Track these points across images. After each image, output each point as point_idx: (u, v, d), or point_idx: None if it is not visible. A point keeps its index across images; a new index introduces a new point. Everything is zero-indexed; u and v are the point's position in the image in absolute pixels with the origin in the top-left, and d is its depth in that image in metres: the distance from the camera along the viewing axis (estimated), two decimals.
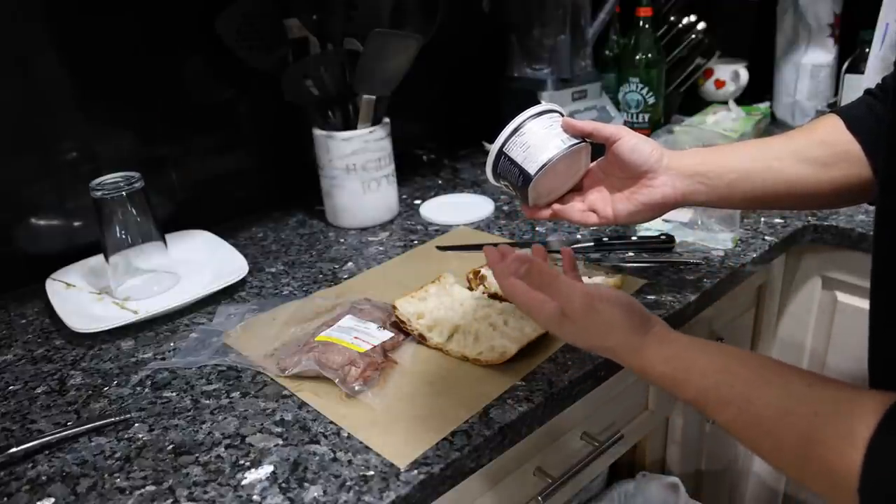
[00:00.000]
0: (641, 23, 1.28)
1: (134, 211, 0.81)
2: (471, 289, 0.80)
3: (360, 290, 0.82)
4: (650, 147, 0.67)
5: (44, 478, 0.57)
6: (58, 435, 0.60)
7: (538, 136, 0.65)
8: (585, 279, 0.76)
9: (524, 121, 0.66)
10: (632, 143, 0.67)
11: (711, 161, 0.68)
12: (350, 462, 0.56)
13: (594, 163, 0.71)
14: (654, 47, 1.29)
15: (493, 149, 0.67)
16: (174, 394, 0.66)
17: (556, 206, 0.71)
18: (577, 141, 0.65)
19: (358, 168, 0.99)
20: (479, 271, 0.79)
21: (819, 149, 0.67)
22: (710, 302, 0.81)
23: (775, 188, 0.68)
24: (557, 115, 0.67)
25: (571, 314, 0.55)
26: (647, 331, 0.54)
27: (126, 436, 0.61)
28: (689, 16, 1.37)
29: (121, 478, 0.56)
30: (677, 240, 0.89)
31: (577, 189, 0.71)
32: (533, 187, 0.66)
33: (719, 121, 1.26)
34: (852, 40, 1.21)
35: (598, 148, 0.69)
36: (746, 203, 0.71)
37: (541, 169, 0.65)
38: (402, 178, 1.10)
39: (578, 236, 0.93)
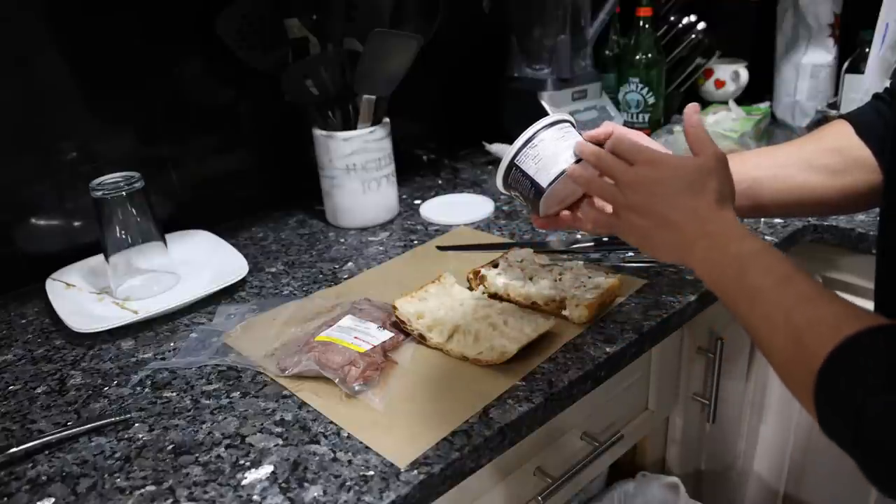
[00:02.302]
0: (641, 23, 1.28)
1: (134, 211, 0.81)
2: (471, 289, 0.80)
3: (360, 290, 0.82)
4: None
5: (44, 478, 0.57)
6: (58, 435, 0.60)
7: (550, 148, 0.65)
8: (585, 278, 0.76)
9: (536, 132, 0.65)
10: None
11: None
12: (350, 462, 0.56)
13: None
14: (654, 47, 1.29)
15: (505, 161, 0.66)
16: (174, 394, 0.66)
17: (565, 214, 0.71)
18: None
19: (358, 168, 0.99)
20: (479, 271, 0.79)
21: (829, 156, 0.67)
22: (711, 302, 0.81)
23: (785, 197, 0.68)
24: (568, 125, 0.67)
25: (706, 155, 0.58)
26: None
27: (126, 436, 0.61)
28: (689, 16, 1.37)
29: (121, 478, 0.56)
30: None
31: (588, 195, 0.71)
32: (545, 199, 0.66)
33: (719, 121, 1.26)
34: (852, 40, 1.21)
35: None
36: (756, 212, 0.71)
37: (553, 181, 0.65)
38: (402, 178, 1.10)
39: (578, 236, 0.93)
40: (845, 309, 0.46)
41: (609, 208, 0.69)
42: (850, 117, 0.68)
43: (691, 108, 0.62)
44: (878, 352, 0.42)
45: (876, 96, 0.68)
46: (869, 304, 0.56)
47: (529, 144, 0.65)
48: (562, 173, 0.64)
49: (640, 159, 0.59)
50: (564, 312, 0.73)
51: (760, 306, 0.50)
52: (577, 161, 0.65)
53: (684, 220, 0.57)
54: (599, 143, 0.67)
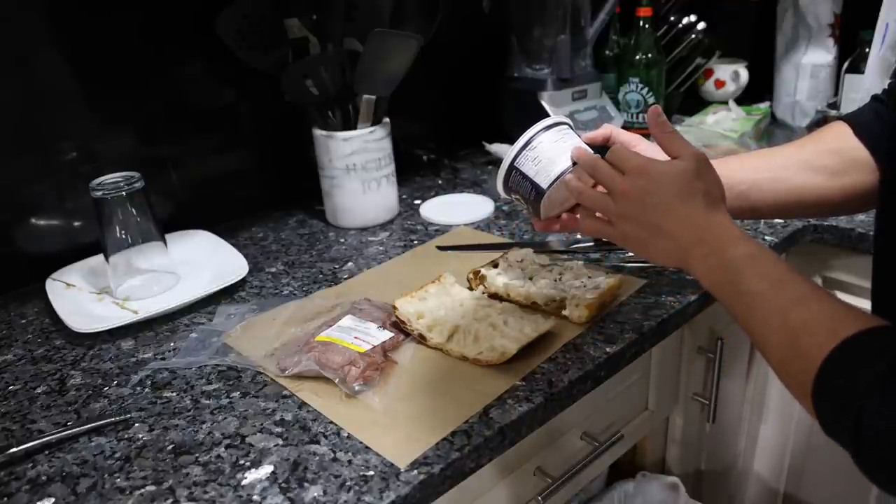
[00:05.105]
0: (641, 23, 1.28)
1: (134, 211, 0.81)
2: (471, 289, 0.80)
3: (360, 290, 0.82)
4: (663, 157, 0.68)
5: (44, 478, 0.57)
6: (58, 435, 0.60)
7: (549, 150, 0.65)
8: (585, 278, 0.76)
9: (534, 135, 0.66)
10: (647, 153, 0.67)
11: (721, 173, 0.69)
12: (350, 462, 0.56)
13: None
14: (654, 47, 1.29)
15: (504, 164, 0.67)
16: (174, 394, 0.66)
17: (565, 216, 0.71)
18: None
19: (358, 168, 0.99)
20: (479, 271, 0.79)
21: (828, 157, 0.67)
22: (711, 302, 0.81)
23: (785, 198, 0.69)
24: (566, 127, 0.68)
25: (686, 157, 0.58)
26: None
27: (126, 436, 0.61)
28: (689, 16, 1.37)
29: (121, 478, 0.56)
30: None
31: None
32: (545, 201, 0.66)
33: (719, 121, 1.26)
34: (852, 40, 1.21)
35: None
36: (756, 213, 0.71)
37: (553, 182, 0.65)
38: (402, 178, 1.10)
39: (578, 236, 0.93)
40: (841, 310, 0.46)
41: None
42: (849, 118, 0.69)
43: (654, 112, 0.61)
44: (874, 353, 0.42)
45: (874, 97, 0.69)
46: (868, 304, 0.56)
47: (528, 147, 0.66)
48: (562, 174, 0.65)
49: (628, 167, 0.59)
50: (564, 312, 0.73)
51: (757, 310, 0.50)
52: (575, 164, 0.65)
53: (678, 227, 0.56)
54: (597, 146, 0.67)
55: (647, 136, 0.72)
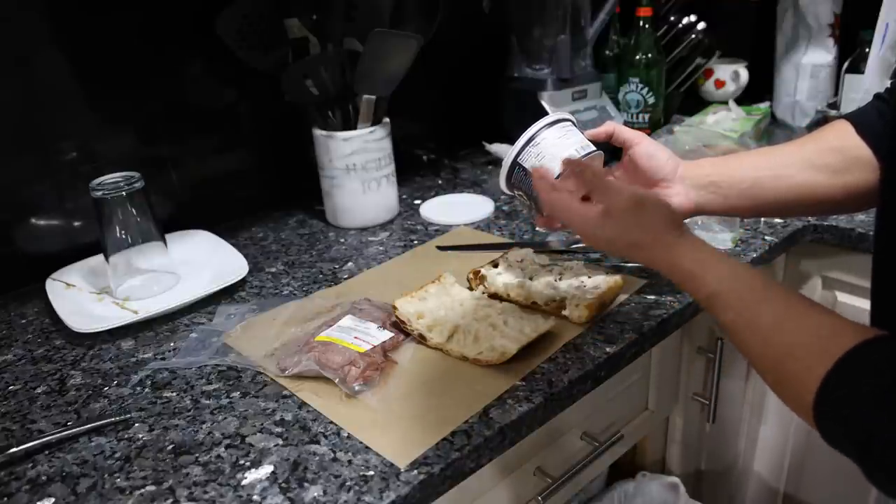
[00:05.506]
0: (641, 23, 1.28)
1: (134, 211, 0.81)
2: (471, 289, 0.80)
3: (360, 290, 0.82)
4: (666, 155, 0.68)
5: (44, 478, 0.57)
6: (58, 435, 0.60)
7: (552, 146, 0.65)
8: (585, 278, 0.76)
9: (538, 131, 0.66)
10: (649, 150, 0.67)
11: (723, 171, 0.69)
12: (350, 462, 0.56)
13: (607, 168, 0.72)
14: (654, 47, 1.29)
15: (507, 160, 0.67)
16: (174, 394, 0.66)
17: None
18: (591, 149, 0.66)
19: (358, 168, 0.99)
20: (479, 271, 0.79)
21: (830, 155, 0.67)
22: None
23: (787, 196, 0.69)
24: (570, 123, 0.68)
25: (616, 211, 0.58)
26: (681, 232, 0.58)
27: (126, 436, 0.61)
28: (689, 16, 1.37)
29: (121, 478, 0.56)
30: None
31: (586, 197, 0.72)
32: None
33: (719, 121, 1.26)
34: (852, 40, 1.21)
35: (616, 152, 0.70)
36: (759, 211, 0.71)
37: (556, 179, 0.65)
38: (402, 178, 1.10)
39: (578, 235, 0.93)
40: (825, 327, 0.46)
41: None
42: (851, 117, 0.69)
43: (568, 165, 0.63)
44: (874, 369, 0.41)
45: (877, 96, 0.69)
46: (868, 304, 0.56)
47: (532, 143, 0.66)
48: (564, 170, 0.65)
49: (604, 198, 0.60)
50: (564, 312, 0.73)
51: (737, 337, 0.51)
52: (583, 156, 0.65)
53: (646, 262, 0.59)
54: (603, 135, 0.67)
55: (648, 135, 0.72)
